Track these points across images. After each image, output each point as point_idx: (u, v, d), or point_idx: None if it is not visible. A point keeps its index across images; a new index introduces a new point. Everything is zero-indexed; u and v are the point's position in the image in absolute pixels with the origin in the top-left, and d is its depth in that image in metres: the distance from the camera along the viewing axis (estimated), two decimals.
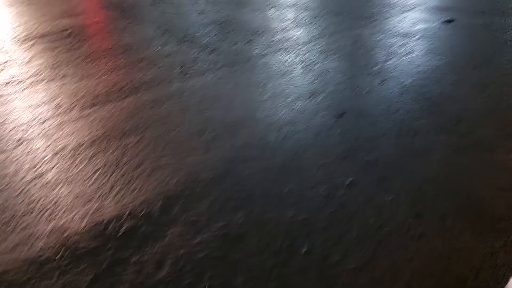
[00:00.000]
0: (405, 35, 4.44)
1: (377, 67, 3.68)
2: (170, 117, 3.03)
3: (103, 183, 2.34)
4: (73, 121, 3.03)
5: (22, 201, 2.23)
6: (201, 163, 2.50)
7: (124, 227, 2.01)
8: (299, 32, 4.67)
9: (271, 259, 1.80)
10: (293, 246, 1.87)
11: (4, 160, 2.58)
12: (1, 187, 2.34)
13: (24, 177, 2.41)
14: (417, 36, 4.37)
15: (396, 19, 5.03)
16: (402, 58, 3.83)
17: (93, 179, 2.37)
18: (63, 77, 3.80)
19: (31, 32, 5.17)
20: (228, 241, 1.91)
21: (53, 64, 4.09)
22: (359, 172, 2.35)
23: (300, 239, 1.90)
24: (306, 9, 5.62)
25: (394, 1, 5.84)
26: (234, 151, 2.60)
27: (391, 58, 3.85)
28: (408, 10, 5.40)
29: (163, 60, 4.08)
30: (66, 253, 1.88)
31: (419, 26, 4.69)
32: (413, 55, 3.91)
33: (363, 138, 2.66)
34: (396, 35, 4.44)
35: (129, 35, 4.92)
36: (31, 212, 2.15)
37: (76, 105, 3.27)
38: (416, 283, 1.66)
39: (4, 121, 3.07)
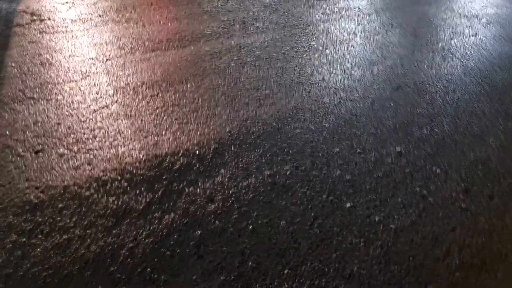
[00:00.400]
0: (473, 17, 4.29)
1: (440, 45, 3.60)
2: (227, 70, 3.09)
3: (162, 121, 2.45)
4: (135, 62, 3.14)
5: (87, 127, 2.38)
6: (254, 117, 2.57)
7: (179, 163, 2.13)
8: (363, 2, 4.59)
9: (314, 210, 1.87)
10: (337, 202, 1.93)
11: (72, 89, 2.74)
12: (69, 112, 2.50)
13: (90, 106, 2.56)
14: (485, 20, 4.22)
15: (466, 0, 4.85)
16: (467, 39, 3.73)
17: (152, 117, 2.49)
18: (127, 20, 3.92)
19: None
20: (275, 188, 1.99)
21: (118, 7, 4.22)
22: (410, 145, 2.36)
23: (345, 196, 1.96)
24: None
25: None
26: (287, 111, 2.65)
27: (456, 38, 3.75)
28: None
29: (225, 15, 4.12)
30: (125, 177, 2.02)
31: (489, 10, 4.52)
32: (479, 38, 3.79)
33: (417, 113, 2.65)
34: (463, 16, 4.30)
35: None
36: (95, 138, 2.29)
37: (138, 48, 3.38)
38: (455, 251, 1.70)
39: (72, 54, 3.23)
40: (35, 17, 3.88)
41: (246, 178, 2.05)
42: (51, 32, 3.58)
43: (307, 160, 2.21)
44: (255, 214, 1.84)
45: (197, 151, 2.22)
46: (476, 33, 3.88)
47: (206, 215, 1.82)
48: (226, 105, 2.67)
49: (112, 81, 2.85)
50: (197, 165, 2.12)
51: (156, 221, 1.81)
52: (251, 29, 3.82)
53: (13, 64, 3.02)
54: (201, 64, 3.16)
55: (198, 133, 2.37)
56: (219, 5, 4.40)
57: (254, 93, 2.83)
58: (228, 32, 3.76)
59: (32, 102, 2.61)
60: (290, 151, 2.28)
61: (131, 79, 2.88)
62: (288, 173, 2.10)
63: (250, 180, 2.03)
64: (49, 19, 3.85)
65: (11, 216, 1.86)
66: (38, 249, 1.71)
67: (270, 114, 2.60)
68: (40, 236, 1.76)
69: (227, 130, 2.42)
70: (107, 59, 3.17)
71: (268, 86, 2.92)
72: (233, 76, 3.02)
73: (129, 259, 1.66)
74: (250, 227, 1.78)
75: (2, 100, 2.61)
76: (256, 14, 4.17)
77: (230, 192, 1.95)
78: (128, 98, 2.66)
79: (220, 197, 1.92)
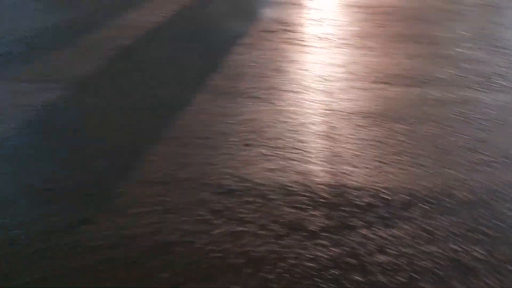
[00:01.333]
0: None
1: None
2: (448, 122, 2.90)
3: (361, 154, 2.45)
4: (358, 90, 3.22)
5: (292, 137, 2.57)
6: (460, 180, 2.33)
7: (363, 200, 2.10)
8: None
9: None
10: None
11: (291, 99, 2.96)
12: (282, 119, 2.72)
13: (301, 119, 2.75)
14: None
15: None
16: None
17: (353, 146, 2.52)
18: (366, 48, 4.01)
19: (358, 1, 5.63)
20: (456, 267, 1.79)
21: (362, 34, 4.38)
22: None
23: None
24: None
25: None
26: (501, 185, 2.33)
27: None
28: None
29: (466, 63, 3.87)
30: (307, 195, 2.11)
31: None
32: None
33: None
34: None
35: (438, 28, 4.85)
36: (294, 149, 2.46)
37: (366, 77, 3.44)
38: None
39: (303, 68, 3.48)
40: (282, 27, 4.29)
41: (428, 243, 1.89)
42: (292, 44, 3.91)
43: (504, 249, 1.92)
44: (423, 282, 1.68)
45: (386, 196, 2.14)
46: None
47: (372, 264, 1.75)
48: (433, 158, 2.51)
49: (329, 101, 2.98)
50: (381, 210, 2.05)
51: (322, 249, 1.82)
52: (491, 84, 3.50)
53: (251, 63, 3.40)
54: (422, 108, 3.04)
55: (393, 177, 2.29)
56: (464, 52, 4.15)
57: (470, 154, 2.58)
58: (463, 82, 3.52)
59: (263, 102, 2.91)
60: (488, 232, 2.01)
61: (347, 105, 2.96)
62: (476, 255, 1.86)
63: (431, 247, 1.86)
64: (294, 31, 4.21)
65: (206, 193, 2.11)
66: (216, 231, 1.89)
67: (480, 183, 2.33)
68: (218, 221, 1.94)
69: (425, 185, 2.27)
70: (332, 80, 3.31)
71: (490, 151, 2.62)
72: (452, 130, 2.81)
73: (286, 274, 1.70)
74: None
75: (230, 93, 2.98)
76: (503, 70, 3.80)
77: (406, 251, 1.82)
78: (338, 122, 2.74)
79: (393, 252, 1.81)
